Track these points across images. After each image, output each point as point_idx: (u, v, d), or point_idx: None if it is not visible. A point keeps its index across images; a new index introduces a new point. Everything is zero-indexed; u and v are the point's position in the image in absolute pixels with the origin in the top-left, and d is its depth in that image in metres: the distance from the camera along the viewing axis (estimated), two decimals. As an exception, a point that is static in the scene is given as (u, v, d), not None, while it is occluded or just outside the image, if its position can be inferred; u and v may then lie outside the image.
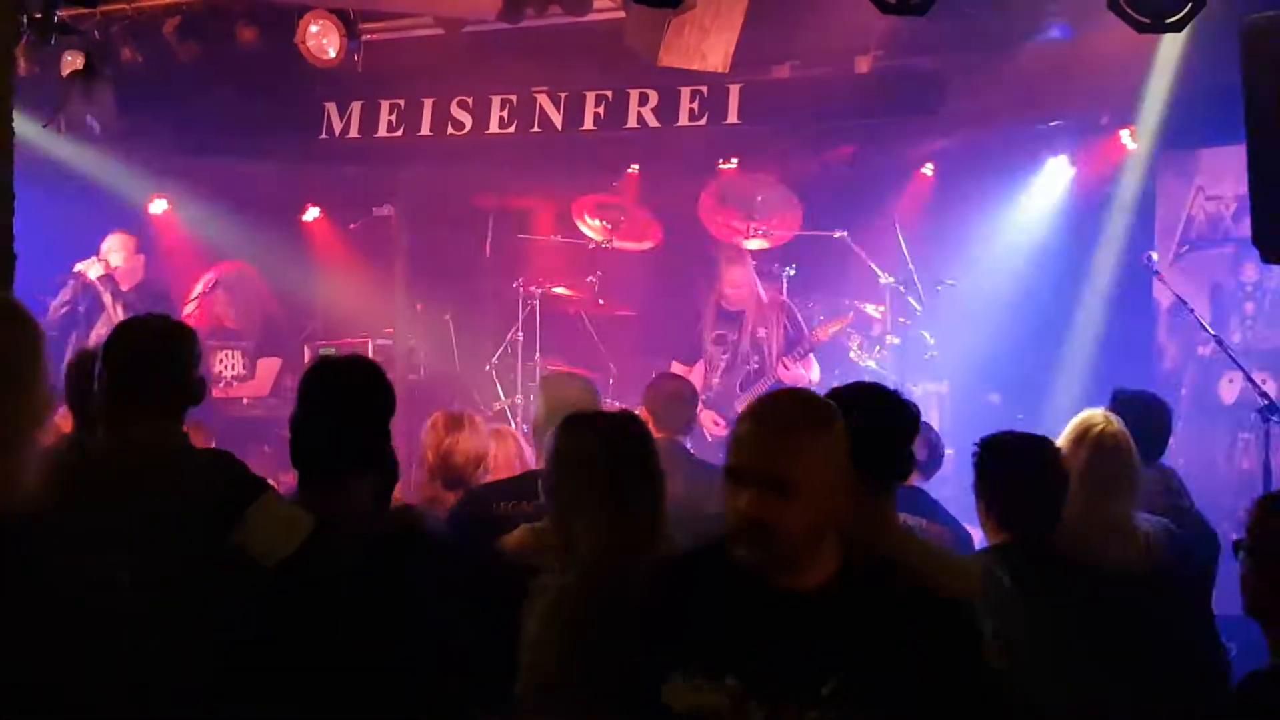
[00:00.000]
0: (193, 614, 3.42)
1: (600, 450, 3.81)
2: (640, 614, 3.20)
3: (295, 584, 3.53)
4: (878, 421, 3.79)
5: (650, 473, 3.84)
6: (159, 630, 3.06)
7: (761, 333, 9.93)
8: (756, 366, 9.93)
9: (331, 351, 10.30)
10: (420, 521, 4.48)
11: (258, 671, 3.48)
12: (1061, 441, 4.95)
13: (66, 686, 2.63)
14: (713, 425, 9.66)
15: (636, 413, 6.50)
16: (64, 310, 9.88)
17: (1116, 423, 4.99)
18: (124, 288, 10.42)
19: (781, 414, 3.11)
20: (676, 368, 9.98)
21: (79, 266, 10.13)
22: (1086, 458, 4.88)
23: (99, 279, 10.24)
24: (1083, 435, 4.93)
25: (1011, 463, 4.54)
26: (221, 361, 11.25)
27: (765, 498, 2.96)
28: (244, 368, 11.27)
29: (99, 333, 9.35)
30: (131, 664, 2.84)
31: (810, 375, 9.82)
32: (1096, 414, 5.07)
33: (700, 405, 8.66)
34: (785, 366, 9.75)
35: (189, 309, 11.31)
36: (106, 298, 10.23)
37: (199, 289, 11.17)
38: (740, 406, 7.25)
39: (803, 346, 9.78)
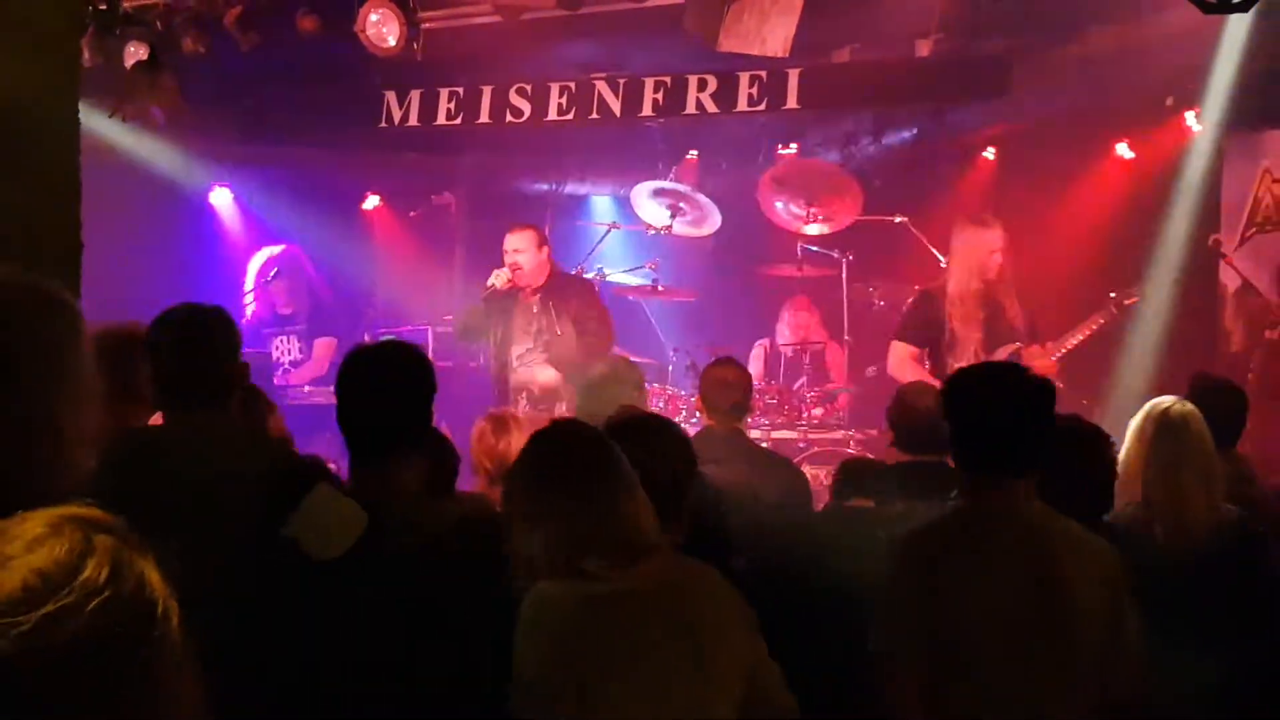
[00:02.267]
0: (242, 606, 3.42)
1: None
2: None
3: (348, 581, 3.52)
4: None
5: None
6: (212, 622, 3.05)
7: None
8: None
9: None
10: (483, 511, 4.48)
11: (302, 670, 3.48)
12: (1133, 425, 4.93)
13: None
14: None
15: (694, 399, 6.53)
16: None
17: (1188, 405, 4.96)
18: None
19: None
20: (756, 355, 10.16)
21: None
22: (1154, 439, 4.85)
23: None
24: (1153, 417, 4.90)
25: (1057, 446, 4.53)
26: (278, 348, 11.28)
27: None
28: (300, 351, 11.29)
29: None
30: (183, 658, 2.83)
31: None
32: (1167, 398, 5.04)
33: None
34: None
35: (248, 299, 11.38)
36: None
37: (252, 278, 11.21)
38: None
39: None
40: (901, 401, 5.80)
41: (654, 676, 3.42)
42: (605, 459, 3.59)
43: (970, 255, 8.60)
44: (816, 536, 5.34)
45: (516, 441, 5.89)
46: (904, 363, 8.77)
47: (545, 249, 9.29)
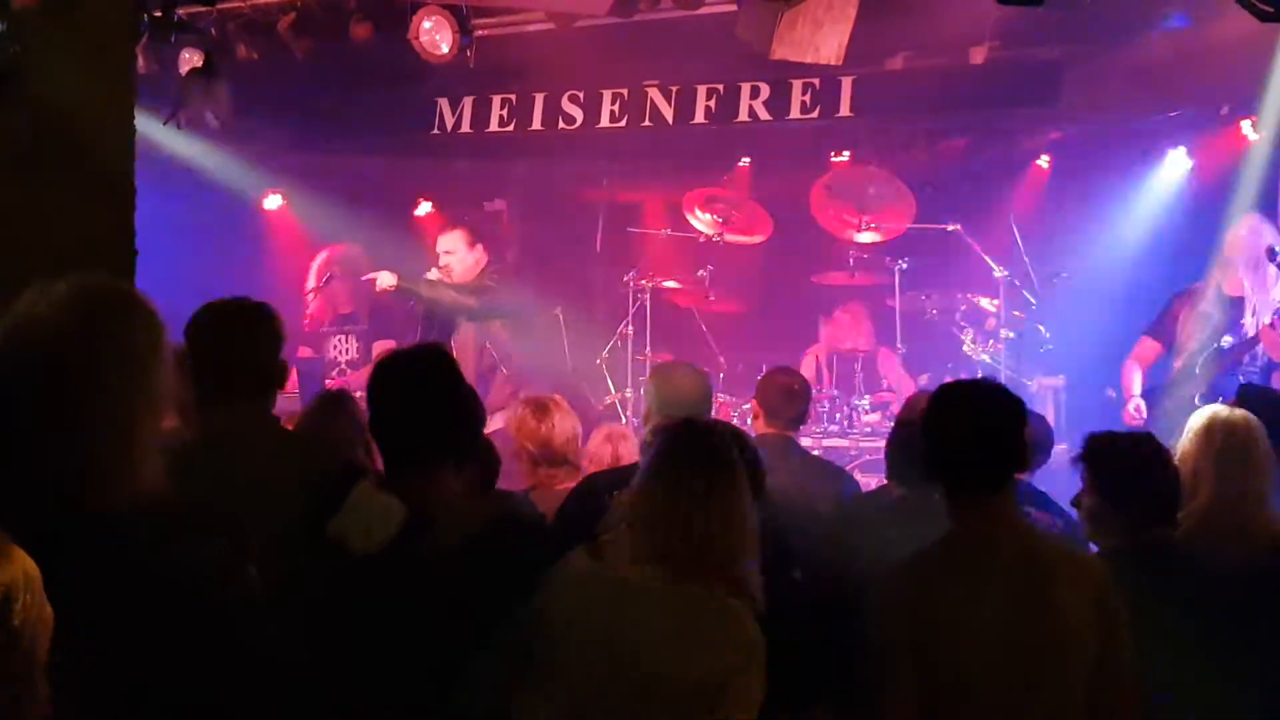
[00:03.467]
0: (295, 603, 3.44)
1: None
2: None
3: (388, 574, 3.54)
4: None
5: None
6: (270, 619, 3.07)
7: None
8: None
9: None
10: (519, 509, 4.49)
11: (347, 660, 3.50)
12: (1187, 432, 4.88)
13: (191, 677, 2.66)
14: None
15: (747, 406, 6.50)
16: None
17: (1242, 412, 4.90)
18: None
19: None
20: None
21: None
22: (1209, 446, 4.79)
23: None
24: (1208, 426, 4.84)
25: (1119, 462, 4.50)
26: (336, 347, 11.24)
27: None
28: (358, 352, 11.24)
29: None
30: (249, 654, 2.86)
31: None
32: (1220, 407, 4.98)
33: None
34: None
35: (310, 298, 11.34)
36: None
37: (313, 279, 11.21)
38: None
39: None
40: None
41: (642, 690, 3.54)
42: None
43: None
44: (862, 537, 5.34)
45: (560, 423, 5.92)
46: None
47: (478, 246, 9.32)
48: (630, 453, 6.37)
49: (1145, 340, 9.04)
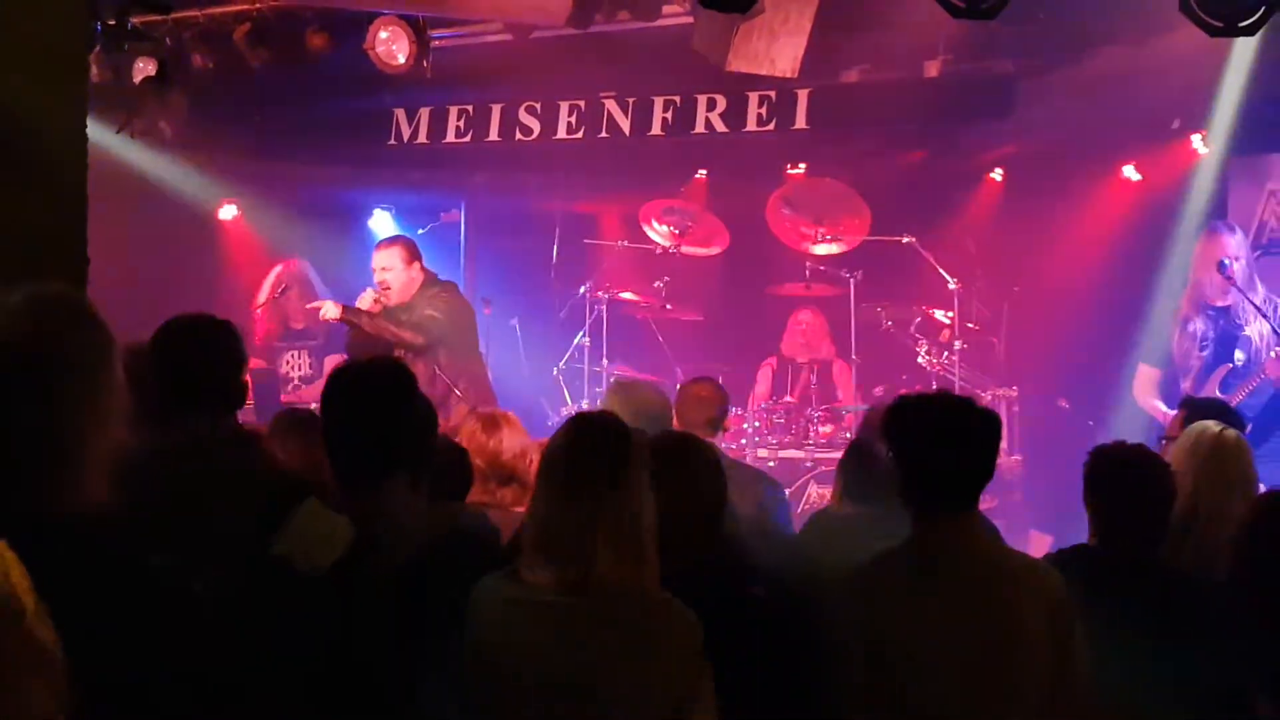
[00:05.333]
0: (241, 621, 3.43)
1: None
2: None
3: (337, 593, 3.52)
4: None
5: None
6: (217, 635, 3.06)
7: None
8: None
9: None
10: (469, 525, 4.49)
11: (297, 678, 3.49)
12: (1178, 447, 4.93)
13: (142, 687, 2.65)
14: None
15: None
16: None
17: (1231, 431, 4.95)
18: None
19: None
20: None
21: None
22: (1205, 463, 4.83)
23: None
24: (1199, 442, 4.88)
25: (1119, 473, 4.51)
26: (289, 363, 11.19)
27: None
28: (310, 367, 11.19)
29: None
30: (196, 667, 2.84)
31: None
32: (1210, 423, 5.02)
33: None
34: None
35: (259, 313, 11.31)
36: None
37: (265, 292, 11.17)
38: None
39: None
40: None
41: (577, 695, 3.50)
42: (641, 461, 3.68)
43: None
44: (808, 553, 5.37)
45: (508, 439, 5.93)
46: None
47: (416, 264, 9.18)
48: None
49: (1143, 369, 9.02)
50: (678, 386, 6.84)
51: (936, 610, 3.79)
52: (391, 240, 9.41)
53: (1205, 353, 8.50)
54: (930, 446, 3.93)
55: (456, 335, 8.97)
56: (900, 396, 4.22)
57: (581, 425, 3.76)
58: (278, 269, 11.19)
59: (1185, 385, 8.56)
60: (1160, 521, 4.47)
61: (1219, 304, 8.55)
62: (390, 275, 9.06)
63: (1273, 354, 8.23)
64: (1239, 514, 4.65)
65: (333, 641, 3.51)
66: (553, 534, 3.56)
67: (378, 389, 3.81)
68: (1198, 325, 8.56)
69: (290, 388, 10.95)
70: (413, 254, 9.16)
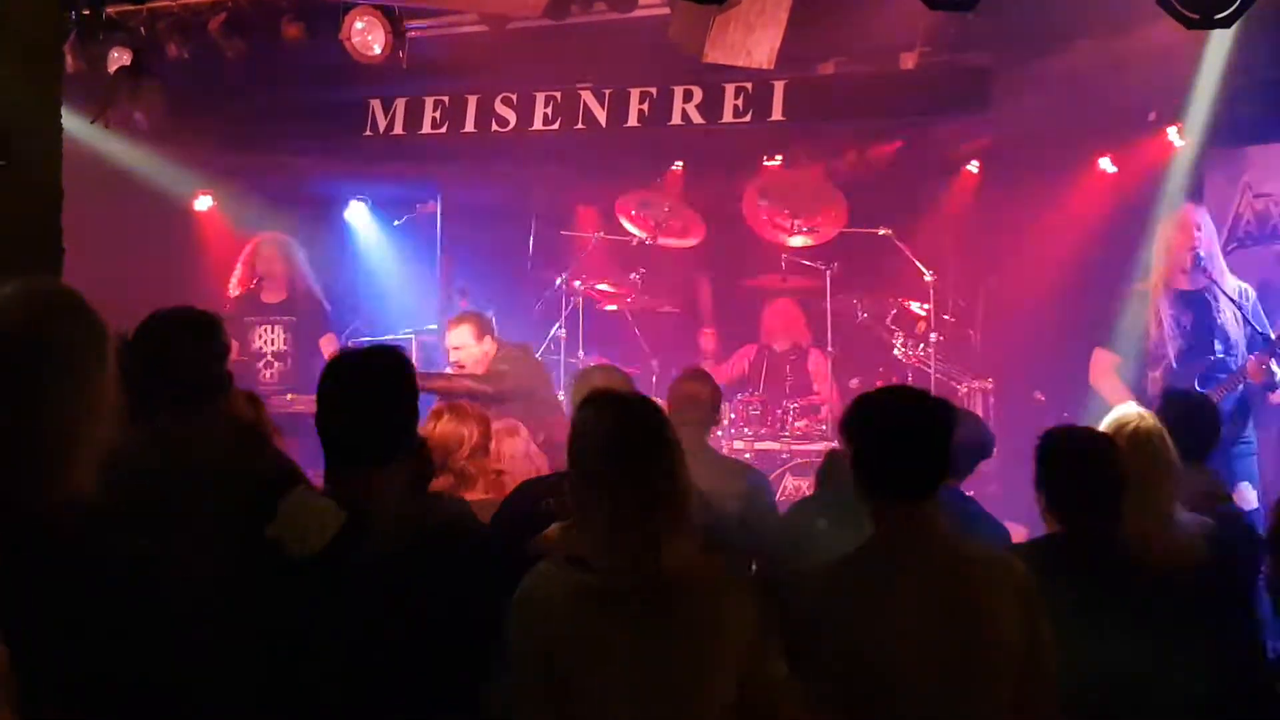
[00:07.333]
0: (231, 608, 3.43)
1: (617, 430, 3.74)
2: None
3: (328, 578, 3.52)
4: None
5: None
6: (204, 623, 3.06)
7: None
8: None
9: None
10: (457, 511, 4.49)
11: (290, 666, 3.49)
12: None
13: (128, 675, 2.65)
14: None
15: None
16: None
17: (1151, 419, 4.98)
18: None
19: None
20: None
21: None
22: (1130, 453, 4.85)
23: None
24: (1117, 433, 4.90)
25: (1069, 457, 4.56)
26: (261, 337, 10.95)
27: None
28: (285, 343, 10.97)
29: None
30: (183, 655, 2.84)
31: None
32: (1130, 412, 5.05)
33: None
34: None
35: (232, 284, 11.12)
36: None
37: (239, 270, 11.05)
38: None
39: None
40: None
41: (640, 675, 3.51)
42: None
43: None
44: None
45: (442, 426, 5.98)
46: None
47: (488, 337, 9.11)
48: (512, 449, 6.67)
49: (1100, 353, 8.95)
50: (670, 383, 6.83)
51: (905, 608, 3.78)
52: (461, 318, 9.34)
53: (1180, 342, 8.49)
54: (881, 439, 3.95)
55: (529, 388, 8.88)
56: (858, 395, 4.26)
57: (621, 411, 3.82)
58: (254, 244, 11.09)
59: (1155, 374, 8.55)
60: (1111, 499, 4.50)
61: (1189, 288, 8.57)
62: (463, 354, 9.02)
63: (1252, 356, 8.24)
64: (1163, 500, 4.78)
65: (325, 625, 3.51)
66: (621, 522, 3.57)
67: (379, 378, 3.82)
68: (1168, 311, 8.54)
69: (263, 364, 10.78)
70: (483, 329, 9.11)
